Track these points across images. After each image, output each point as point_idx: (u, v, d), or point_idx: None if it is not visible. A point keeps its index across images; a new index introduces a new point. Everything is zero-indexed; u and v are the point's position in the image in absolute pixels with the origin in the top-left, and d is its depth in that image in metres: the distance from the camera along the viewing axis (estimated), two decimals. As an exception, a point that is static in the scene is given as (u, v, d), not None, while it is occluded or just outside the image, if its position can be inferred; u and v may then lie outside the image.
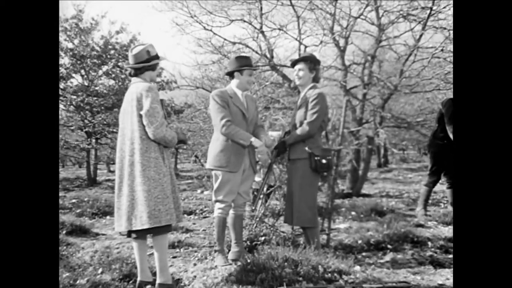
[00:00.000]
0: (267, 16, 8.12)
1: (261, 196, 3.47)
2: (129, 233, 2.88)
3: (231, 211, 3.53)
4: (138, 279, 2.85)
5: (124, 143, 2.86)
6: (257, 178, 5.64)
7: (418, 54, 7.59)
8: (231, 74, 3.54)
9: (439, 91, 7.82)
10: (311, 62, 3.51)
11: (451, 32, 6.63)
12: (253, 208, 3.48)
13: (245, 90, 3.53)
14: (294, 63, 3.59)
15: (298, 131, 3.40)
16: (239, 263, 3.15)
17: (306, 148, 3.36)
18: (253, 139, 3.33)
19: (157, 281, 2.78)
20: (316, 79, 3.57)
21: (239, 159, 3.39)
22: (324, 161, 3.34)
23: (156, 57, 2.97)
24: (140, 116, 2.77)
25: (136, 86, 2.87)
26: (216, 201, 3.46)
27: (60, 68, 11.53)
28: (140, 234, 2.84)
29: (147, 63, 2.91)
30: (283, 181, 4.64)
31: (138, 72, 2.94)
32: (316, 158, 3.32)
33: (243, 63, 3.46)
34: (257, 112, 3.64)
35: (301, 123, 3.42)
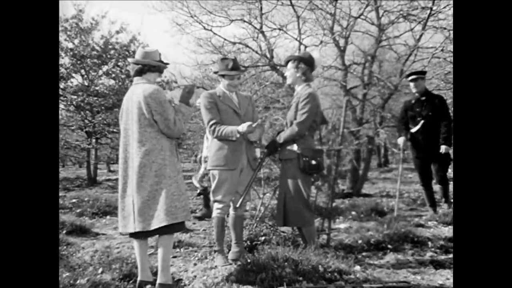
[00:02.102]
0: (267, 16, 8.14)
1: (246, 193, 3.42)
2: (131, 233, 2.87)
3: (232, 212, 3.53)
4: (139, 278, 2.85)
5: (129, 144, 2.84)
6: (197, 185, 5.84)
7: (418, 54, 7.61)
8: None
9: (439, 91, 7.82)
10: (295, 61, 3.49)
11: (451, 32, 6.64)
12: (237, 206, 3.45)
13: (232, 91, 3.53)
14: (286, 64, 3.64)
15: (288, 131, 3.38)
16: (239, 263, 3.15)
17: (295, 149, 3.34)
18: (239, 127, 3.31)
19: (158, 281, 2.77)
20: (306, 79, 3.48)
21: (236, 156, 3.40)
22: (313, 162, 3.31)
23: (164, 63, 3.01)
24: (153, 118, 2.76)
25: (143, 87, 2.82)
26: (215, 201, 3.47)
27: (60, 68, 11.54)
28: (144, 234, 2.83)
29: (161, 63, 2.94)
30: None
31: (144, 71, 2.91)
32: (304, 159, 3.29)
33: (222, 68, 3.49)
34: (252, 109, 3.63)
35: (291, 123, 3.42)
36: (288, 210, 3.35)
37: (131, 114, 2.84)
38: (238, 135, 3.32)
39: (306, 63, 3.47)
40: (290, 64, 3.53)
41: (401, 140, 5.31)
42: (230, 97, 3.51)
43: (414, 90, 5.18)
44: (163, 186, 2.73)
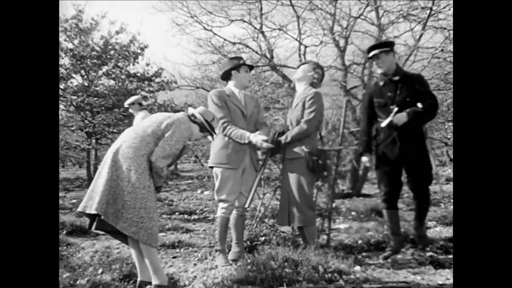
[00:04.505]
0: (267, 16, 8.16)
1: (253, 194, 3.44)
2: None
3: (233, 211, 3.54)
4: (139, 279, 2.85)
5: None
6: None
7: (418, 54, 7.61)
8: (227, 77, 3.63)
9: (439, 91, 7.81)
10: (313, 64, 3.67)
11: (451, 32, 6.64)
12: (245, 206, 3.47)
13: (244, 88, 3.62)
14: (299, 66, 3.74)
15: (296, 129, 3.41)
16: (239, 263, 3.15)
17: (304, 148, 3.37)
18: (251, 136, 3.35)
19: (153, 283, 2.75)
20: (315, 84, 3.61)
21: (239, 156, 3.42)
22: (320, 161, 3.37)
23: (211, 127, 3.04)
24: (157, 138, 2.77)
25: (179, 114, 2.93)
26: (220, 200, 3.48)
27: (60, 68, 11.53)
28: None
29: (205, 122, 2.99)
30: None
31: (190, 117, 2.98)
32: (313, 158, 3.34)
33: (238, 61, 3.56)
34: (258, 110, 3.67)
35: (298, 122, 3.43)
36: (293, 209, 3.38)
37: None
38: (247, 141, 3.36)
39: (322, 73, 3.66)
40: (306, 66, 3.64)
41: (365, 160, 3.82)
42: (238, 97, 3.55)
43: (379, 71, 3.68)
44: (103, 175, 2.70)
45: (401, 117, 3.44)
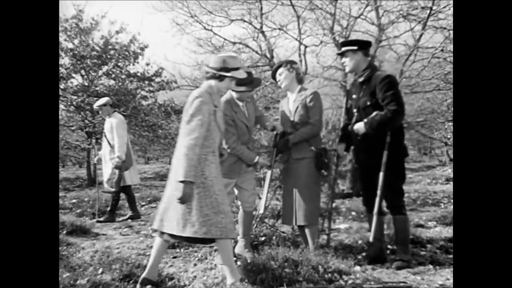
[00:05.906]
0: (267, 16, 8.17)
1: (266, 196, 3.47)
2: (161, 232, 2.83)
3: (241, 208, 3.63)
4: (143, 275, 2.80)
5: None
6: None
7: (418, 54, 7.61)
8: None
9: (439, 91, 7.82)
10: (287, 64, 3.62)
11: (451, 32, 6.64)
12: (261, 212, 3.56)
13: (242, 101, 3.55)
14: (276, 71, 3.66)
15: (304, 129, 3.42)
16: (239, 263, 3.16)
17: (312, 148, 3.40)
18: (260, 159, 3.49)
19: (229, 282, 2.73)
20: (300, 80, 3.62)
21: (236, 167, 3.49)
22: (326, 160, 3.42)
23: (230, 70, 2.80)
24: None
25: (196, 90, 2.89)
26: None
27: (60, 68, 11.53)
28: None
29: (216, 71, 2.82)
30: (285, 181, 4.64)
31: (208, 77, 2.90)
32: (322, 157, 3.39)
33: (246, 82, 3.34)
34: (254, 107, 3.70)
35: (303, 123, 3.44)
36: (299, 208, 3.40)
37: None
38: (253, 163, 3.47)
39: (298, 65, 3.67)
40: (283, 70, 3.56)
41: (339, 148, 3.64)
42: (242, 110, 3.51)
43: (346, 69, 3.57)
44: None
45: (359, 127, 3.30)
